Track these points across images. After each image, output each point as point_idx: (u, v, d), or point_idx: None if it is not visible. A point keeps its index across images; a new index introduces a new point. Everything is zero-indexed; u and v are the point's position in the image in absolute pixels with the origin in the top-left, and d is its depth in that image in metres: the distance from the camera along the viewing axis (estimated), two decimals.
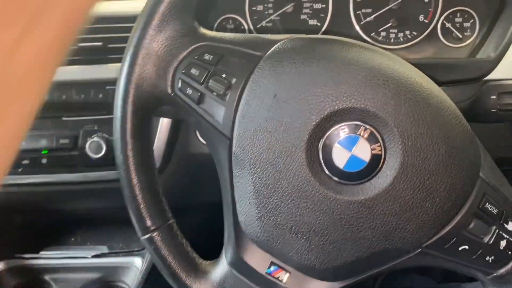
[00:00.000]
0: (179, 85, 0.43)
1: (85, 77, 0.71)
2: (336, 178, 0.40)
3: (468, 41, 0.72)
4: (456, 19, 0.73)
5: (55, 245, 0.92)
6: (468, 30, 0.73)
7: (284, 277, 0.44)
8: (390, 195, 0.39)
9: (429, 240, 0.41)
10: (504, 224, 0.41)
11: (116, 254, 0.90)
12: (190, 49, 0.43)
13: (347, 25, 0.75)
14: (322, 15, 0.75)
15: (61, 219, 0.96)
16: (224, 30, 0.76)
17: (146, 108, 0.44)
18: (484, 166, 0.41)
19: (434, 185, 0.39)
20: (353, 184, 0.40)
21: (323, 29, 0.75)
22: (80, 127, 0.72)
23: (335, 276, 0.43)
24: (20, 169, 0.73)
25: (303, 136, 0.39)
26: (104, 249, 0.90)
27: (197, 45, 0.43)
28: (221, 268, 0.46)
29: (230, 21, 0.76)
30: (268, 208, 0.41)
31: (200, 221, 0.89)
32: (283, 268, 0.44)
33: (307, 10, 0.75)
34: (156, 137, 0.70)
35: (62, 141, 0.71)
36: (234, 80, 0.41)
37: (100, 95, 0.71)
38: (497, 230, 0.41)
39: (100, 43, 0.70)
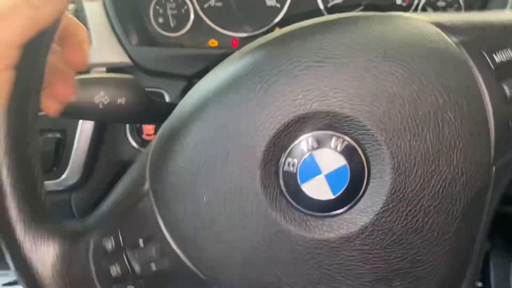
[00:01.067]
0: None
1: None
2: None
3: None
4: (439, 3, 0.69)
5: None
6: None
7: None
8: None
9: None
10: None
11: None
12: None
13: (311, 6, 0.70)
14: None
15: None
16: (164, 9, 0.69)
17: None
18: None
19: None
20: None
21: (283, 11, 0.70)
22: None
23: None
24: None
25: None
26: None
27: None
28: None
29: (171, 0, 0.69)
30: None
31: None
32: None
33: None
34: (75, 142, 0.62)
35: None
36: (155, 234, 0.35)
37: None
38: None
39: None
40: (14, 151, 0.34)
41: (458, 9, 0.68)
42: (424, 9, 0.69)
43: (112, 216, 0.36)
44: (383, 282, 0.33)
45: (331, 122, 0.31)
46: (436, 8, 0.69)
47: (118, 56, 0.62)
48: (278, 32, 0.35)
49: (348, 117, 0.31)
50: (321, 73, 0.32)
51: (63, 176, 0.61)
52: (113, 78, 0.52)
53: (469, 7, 0.68)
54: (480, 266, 0.38)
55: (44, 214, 0.36)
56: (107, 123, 0.64)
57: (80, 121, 0.62)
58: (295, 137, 0.32)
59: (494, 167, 0.34)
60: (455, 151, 0.32)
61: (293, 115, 0.31)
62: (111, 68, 0.62)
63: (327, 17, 0.36)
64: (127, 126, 0.65)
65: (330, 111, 0.31)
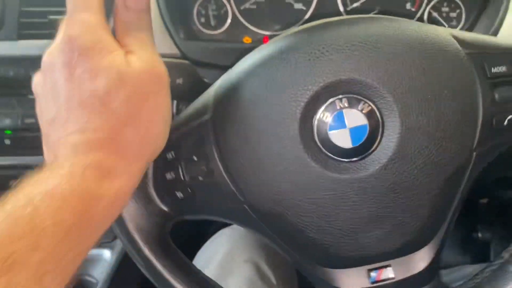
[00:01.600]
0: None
1: None
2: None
3: None
4: (443, 9, 0.73)
5: None
6: (454, 21, 0.73)
7: (389, 272, 0.40)
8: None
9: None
10: None
11: None
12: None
13: (334, 10, 0.74)
14: None
15: None
16: (206, 10, 0.75)
17: None
18: None
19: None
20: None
21: (309, 13, 0.75)
22: None
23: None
24: None
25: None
26: None
27: None
28: None
29: (212, 1, 0.74)
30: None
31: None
32: (381, 266, 0.40)
33: None
34: None
35: (27, 120, 0.68)
36: (208, 155, 0.39)
37: None
38: None
39: None
40: None
41: (460, 14, 0.73)
42: (430, 14, 0.73)
43: (176, 133, 0.40)
44: (376, 219, 0.38)
45: (361, 90, 0.37)
46: (440, 13, 0.73)
47: (168, 48, 0.67)
48: (331, 18, 0.41)
49: (375, 88, 0.36)
50: (363, 52, 0.37)
51: None
52: (173, 62, 0.59)
53: (469, 12, 0.72)
54: (452, 225, 0.42)
55: None
56: None
57: None
58: (332, 95, 0.37)
59: (475, 153, 0.38)
60: (448, 132, 0.37)
61: (334, 79, 0.36)
62: (162, 57, 0.68)
63: (373, 14, 0.42)
64: (174, 107, 0.67)
65: (363, 81, 0.36)
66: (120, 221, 0.41)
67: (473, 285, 0.41)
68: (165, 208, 0.41)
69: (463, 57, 0.38)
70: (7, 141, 0.70)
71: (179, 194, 0.40)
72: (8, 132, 0.69)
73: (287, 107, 0.37)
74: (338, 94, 0.37)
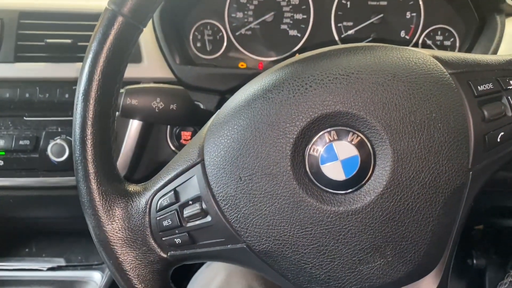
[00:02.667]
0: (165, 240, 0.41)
1: (51, 75, 0.69)
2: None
3: None
4: (437, 37, 0.74)
5: (7, 256, 0.90)
6: (449, 49, 0.74)
7: None
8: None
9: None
10: None
11: (74, 267, 0.88)
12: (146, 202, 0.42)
13: (328, 37, 0.75)
14: (303, 26, 0.75)
15: (16, 227, 0.92)
16: (202, 36, 0.76)
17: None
18: None
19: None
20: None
21: (303, 40, 0.76)
22: (43, 128, 0.70)
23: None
24: None
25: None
26: (61, 261, 0.88)
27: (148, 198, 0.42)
28: None
29: (208, 27, 0.76)
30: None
31: None
32: None
33: (287, 20, 0.75)
34: (124, 142, 0.68)
35: (21, 142, 0.69)
36: (202, 198, 0.39)
37: (66, 95, 0.69)
38: None
39: (69, 41, 0.68)
40: (100, 125, 0.40)
41: (454, 42, 0.73)
42: (424, 42, 0.74)
43: (169, 180, 0.40)
44: (378, 250, 0.37)
45: (349, 121, 0.36)
46: (434, 41, 0.74)
47: (164, 73, 0.68)
48: (313, 51, 0.40)
49: (363, 118, 0.36)
50: (346, 84, 0.37)
51: None
52: (167, 88, 0.59)
53: (464, 40, 0.73)
54: (455, 250, 0.41)
55: (114, 177, 0.41)
56: (151, 129, 0.70)
57: (129, 126, 0.68)
58: (321, 129, 0.37)
59: (471, 172, 0.38)
60: (441, 154, 0.36)
61: (321, 113, 0.36)
62: (158, 82, 0.67)
63: (352, 44, 0.41)
64: (168, 132, 0.70)
65: (349, 112, 0.36)
66: (120, 271, 0.40)
67: None
68: (164, 256, 0.41)
69: (447, 78, 0.38)
70: (1, 162, 0.70)
71: (178, 240, 0.40)
72: (2, 153, 0.69)
73: (277, 145, 0.37)
74: (326, 127, 0.37)
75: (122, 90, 0.57)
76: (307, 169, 0.37)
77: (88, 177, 0.40)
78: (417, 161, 0.36)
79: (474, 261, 1.04)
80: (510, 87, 0.39)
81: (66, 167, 0.68)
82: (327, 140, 0.37)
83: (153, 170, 0.70)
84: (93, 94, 0.40)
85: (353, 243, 0.37)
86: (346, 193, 0.37)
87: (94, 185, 0.40)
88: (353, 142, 0.37)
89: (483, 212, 0.89)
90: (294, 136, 0.37)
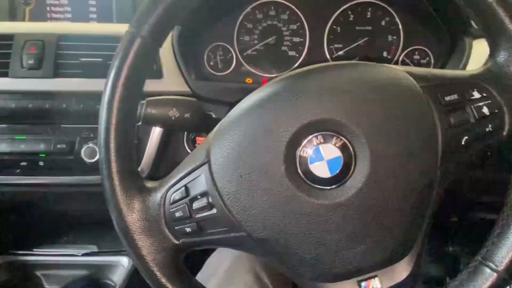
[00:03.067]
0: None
1: (85, 88, 0.68)
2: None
3: None
4: (414, 56, 0.74)
5: (47, 243, 0.89)
6: (424, 66, 0.74)
7: (377, 282, 0.39)
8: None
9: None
10: None
11: (104, 253, 0.88)
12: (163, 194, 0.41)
13: (321, 57, 0.75)
14: (300, 47, 0.75)
15: (55, 219, 0.92)
16: (214, 56, 0.76)
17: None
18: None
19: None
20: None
21: (300, 59, 0.75)
22: (77, 134, 0.69)
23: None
24: (18, 171, 0.70)
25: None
26: (94, 248, 0.88)
27: (165, 190, 0.41)
28: None
29: (220, 48, 0.76)
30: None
31: None
32: (369, 278, 0.39)
33: (287, 43, 0.75)
34: (147, 146, 0.67)
35: (59, 146, 0.68)
36: (209, 193, 0.39)
37: (97, 106, 0.67)
38: None
39: (100, 59, 0.67)
40: (122, 130, 0.40)
41: (429, 60, 0.73)
42: (403, 60, 0.73)
43: (181, 177, 0.40)
44: (358, 237, 0.37)
45: (334, 127, 0.36)
46: (412, 60, 0.73)
47: (181, 87, 0.68)
48: (305, 68, 0.41)
49: (345, 124, 0.36)
50: (331, 95, 0.37)
51: None
52: (182, 99, 0.58)
53: (437, 59, 0.72)
54: (426, 238, 0.40)
55: (134, 175, 0.42)
56: (171, 135, 0.69)
57: (151, 132, 0.66)
58: (309, 134, 0.37)
59: (439, 171, 0.37)
60: (413, 155, 0.36)
61: (309, 120, 0.36)
62: (176, 95, 0.65)
63: (338, 62, 0.41)
64: (184, 137, 0.69)
65: (334, 120, 0.36)
66: (138, 256, 0.40)
67: (453, 286, 0.39)
68: (177, 242, 0.40)
69: (419, 90, 0.38)
70: (41, 163, 0.69)
71: (188, 229, 0.40)
72: (43, 155, 0.69)
73: (272, 147, 0.37)
74: (314, 132, 0.37)
75: (143, 101, 0.56)
76: (298, 168, 0.37)
77: (111, 175, 0.40)
78: (392, 161, 0.36)
79: (450, 248, 1.04)
80: (472, 98, 0.39)
81: (97, 167, 0.67)
82: (315, 143, 0.37)
83: (173, 169, 0.71)
84: (115, 103, 0.40)
85: (337, 231, 0.37)
86: (331, 189, 0.37)
87: (116, 182, 0.40)
88: (337, 145, 0.36)
89: (459, 206, 0.89)
90: (287, 140, 0.37)
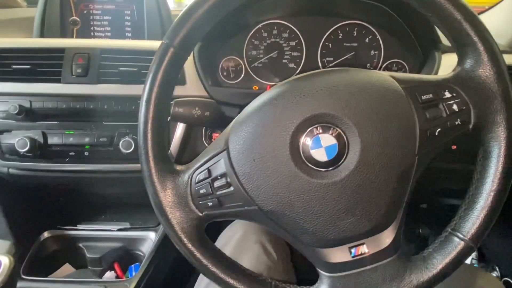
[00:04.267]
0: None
1: (123, 92, 0.69)
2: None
3: None
4: (393, 68, 0.74)
5: (89, 220, 0.90)
6: None
7: (364, 248, 0.39)
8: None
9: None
10: None
11: (135, 228, 0.88)
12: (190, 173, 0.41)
13: (316, 68, 0.72)
14: (298, 60, 0.75)
15: (95, 200, 0.92)
16: (227, 67, 0.76)
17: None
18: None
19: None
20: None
21: (298, 70, 0.75)
22: (116, 129, 0.70)
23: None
24: (67, 159, 0.71)
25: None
26: (127, 224, 0.89)
27: (191, 172, 0.41)
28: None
29: (232, 61, 0.76)
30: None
31: None
32: (358, 244, 0.39)
33: (287, 56, 0.75)
34: (173, 139, 0.68)
35: (101, 139, 0.69)
36: (227, 174, 0.39)
37: (133, 107, 0.69)
38: None
39: (135, 69, 0.68)
40: (157, 123, 0.41)
41: (405, 71, 0.73)
42: (384, 69, 0.73)
43: (204, 161, 0.41)
44: (350, 211, 0.37)
45: (330, 120, 0.37)
46: (391, 70, 0.73)
47: (201, 92, 0.68)
48: (307, 73, 0.41)
49: (340, 118, 0.37)
50: (328, 94, 0.37)
51: None
52: (203, 101, 0.60)
53: (412, 69, 0.72)
54: (406, 213, 0.40)
55: (166, 159, 0.42)
56: (191, 131, 0.70)
57: (176, 128, 0.68)
58: (311, 125, 0.37)
59: (417, 156, 0.38)
60: (396, 143, 0.37)
61: (310, 114, 0.37)
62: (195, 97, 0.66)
63: (334, 68, 0.41)
64: (203, 132, 0.70)
65: (331, 114, 0.37)
66: (169, 225, 0.41)
67: (427, 253, 0.40)
68: (200, 214, 0.41)
69: (400, 90, 0.38)
70: (86, 153, 0.70)
71: (210, 203, 0.40)
72: (87, 147, 0.70)
73: (280, 136, 0.37)
74: (314, 124, 0.37)
75: (172, 102, 0.57)
76: (301, 153, 0.37)
77: (148, 160, 0.41)
78: (378, 148, 0.37)
79: (420, 231, 1.04)
80: (444, 97, 0.39)
81: (132, 157, 0.68)
82: (315, 133, 0.37)
83: (193, 157, 0.71)
84: (152, 102, 0.40)
85: (333, 205, 0.37)
86: (327, 170, 0.37)
87: (152, 165, 0.41)
88: (333, 135, 0.37)
89: (428, 194, 0.89)
90: (292, 130, 0.37)
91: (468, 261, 0.92)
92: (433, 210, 1.03)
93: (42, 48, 0.70)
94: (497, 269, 0.91)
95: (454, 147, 0.65)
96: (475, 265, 0.94)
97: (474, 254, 0.96)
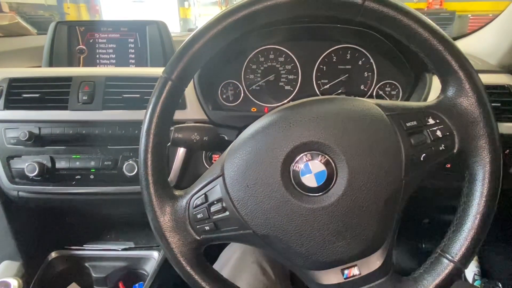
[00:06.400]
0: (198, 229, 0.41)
1: (126, 118, 0.70)
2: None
3: None
4: (386, 89, 0.74)
5: (95, 240, 0.91)
6: (394, 97, 0.74)
7: (356, 270, 0.39)
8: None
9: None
10: None
11: (139, 248, 0.88)
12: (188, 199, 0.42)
13: (311, 90, 0.76)
14: (294, 83, 0.76)
15: (100, 221, 0.93)
16: (226, 90, 0.77)
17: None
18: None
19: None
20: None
21: (294, 92, 0.76)
22: (120, 153, 0.71)
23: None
24: (74, 182, 0.72)
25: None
26: (131, 244, 0.89)
27: (188, 197, 0.42)
28: None
29: (231, 85, 0.77)
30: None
31: None
32: (350, 266, 0.39)
33: (284, 79, 0.76)
34: (174, 162, 0.69)
35: (106, 162, 0.70)
36: (223, 199, 0.40)
37: (136, 131, 0.70)
38: None
39: (138, 95, 0.70)
40: (156, 151, 0.42)
41: (398, 92, 0.73)
42: (377, 92, 0.74)
43: (201, 187, 0.41)
44: (341, 234, 0.38)
45: (319, 147, 0.38)
46: (384, 92, 0.74)
47: (200, 115, 0.69)
48: (296, 102, 0.42)
49: (328, 145, 0.37)
50: (317, 123, 0.38)
51: None
52: (201, 126, 0.59)
53: (405, 90, 0.73)
54: (396, 235, 0.40)
55: (166, 185, 0.42)
56: (192, 154, 0.70)
57: (177, 152, 0.68)
58: (300, 153, 0.38)
59: (404, 180, 0.38)
60: (382, 169, 0.37)
61: (300, 142, 0.38)
62: (196, 122, 0.64)
63: (321, 97, 0.42)
64: (203, 155, 0.71)
65: (319, 142, 0.37)
66: (169, 248, 0.41)
67: (418, 274, 0.40)
68: (198, 238, 0.41)
69: (385, 118, 0.39)
70: (92, 176, 0.71)
71: (207, 227, 0.40)
72: (93, 170, 0.71)
73: (271, 163, 0.38)
74: (304, 151, 0.38)
75: (172, 128, 0.58)
76: (292, 179, 0.38)
77: (148, 186, 0.41)
78: (365, 174, 0.37)
79: (423, 245, 1.03)
80: (428, 123, 0.39)
81: (136, 179, 0.69)
82: (305, 160, 0.38)
83: (194, 181, 0.72)
84: (152, 130, 0.41)
85: (323, 229, 0.37)
86: (317, 196, 0.37)
87: (152, 191, 0.42)
88: (322, 161, 0.37)
89: (430, 210, 0.89)
90: (283, 158, 0.38)
91: (470, 277, 0.92)
92: (435, 225, 1.02)
93: (50, 77, 0.72)
94: (500, 286, 0.90)
95: (448, 165, 0.65)
96: (478, 281, 0.93)
97: (476, 270, 0.95)
